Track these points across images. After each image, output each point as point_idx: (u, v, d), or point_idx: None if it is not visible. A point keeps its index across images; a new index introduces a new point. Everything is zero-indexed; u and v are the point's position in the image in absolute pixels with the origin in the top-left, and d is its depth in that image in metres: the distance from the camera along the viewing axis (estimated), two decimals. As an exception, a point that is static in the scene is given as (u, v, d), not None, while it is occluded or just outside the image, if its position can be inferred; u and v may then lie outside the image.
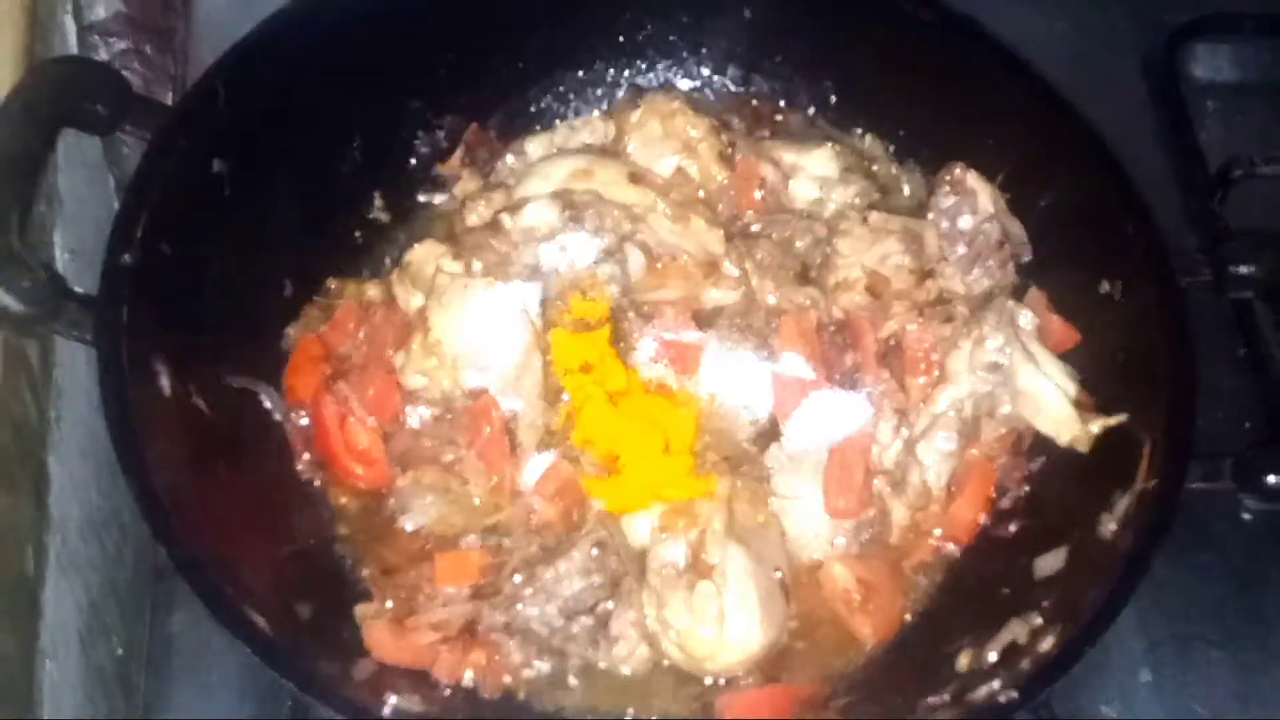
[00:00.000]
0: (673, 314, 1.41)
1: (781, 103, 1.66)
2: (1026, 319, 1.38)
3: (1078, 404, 1.32)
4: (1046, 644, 1.15)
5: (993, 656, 1.20)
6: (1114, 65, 1.79)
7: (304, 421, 1.39)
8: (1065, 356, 1.37)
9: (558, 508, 1.33)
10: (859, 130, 1.62)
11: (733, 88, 1.67)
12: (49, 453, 1.26)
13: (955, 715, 1.16)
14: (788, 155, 1.56)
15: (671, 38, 1.64)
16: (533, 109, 1.65)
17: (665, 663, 1.28)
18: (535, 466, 1.35)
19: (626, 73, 1.67)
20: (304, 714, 1.30)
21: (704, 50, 1.66)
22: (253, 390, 1.38)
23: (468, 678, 1.25)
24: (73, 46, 1.50)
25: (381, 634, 1.24)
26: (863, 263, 1.45)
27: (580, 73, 1.65)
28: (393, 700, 1.18)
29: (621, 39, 1.63)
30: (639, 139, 1.55)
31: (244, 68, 1.35)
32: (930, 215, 1.48)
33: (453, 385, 1.36)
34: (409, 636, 1.24)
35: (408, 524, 1.34)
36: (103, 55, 1.54)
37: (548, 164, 1.51)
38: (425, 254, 1.44)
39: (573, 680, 1.28)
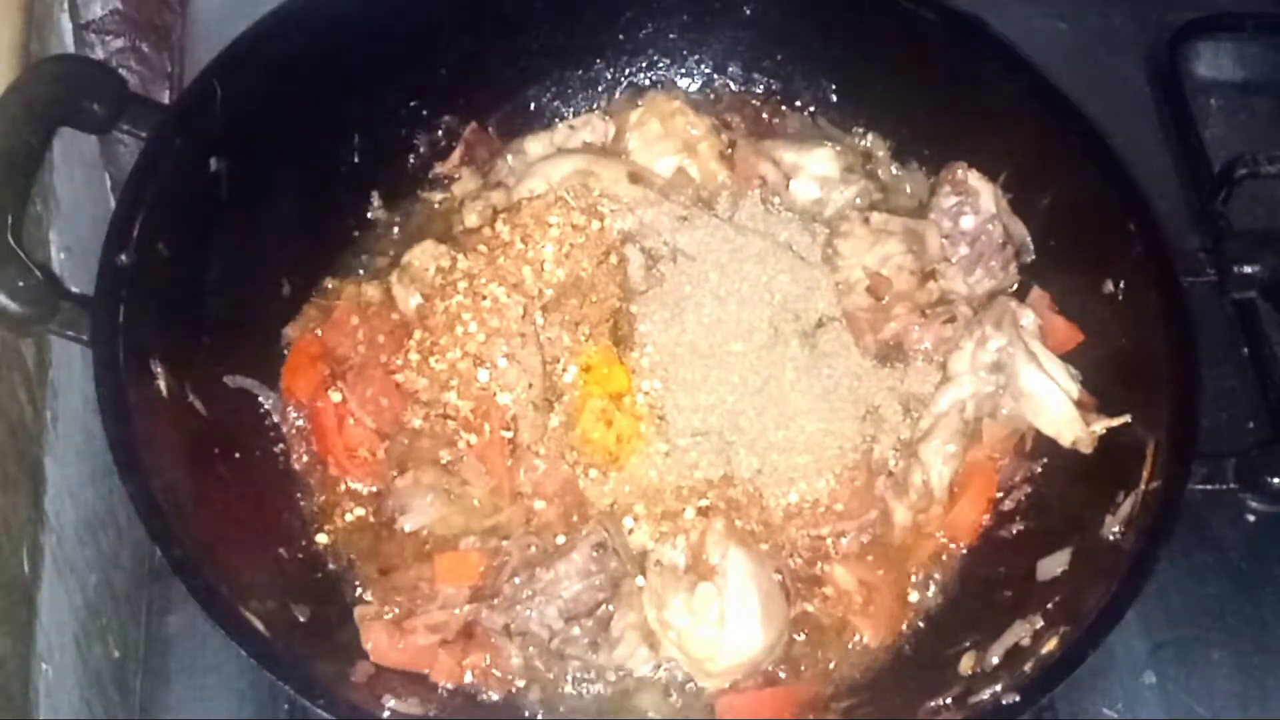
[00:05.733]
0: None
1: (781, 103, 1.65)
2: (1029, 319, 1.38)
3: (1080, 405, 1.32)
4: (1050, 646, 1.15)
5: (996, 659, 1.19)
6: (1116, 64, 1.79)
7: (302, 422, 1.39)
8: (1068, 357, 1.37)
9: (557, 509, 1.33)
10: (860, 130, 1.61)
11: (733, 87, 1.66)
12: (45, 453, 1.26)
13: (958, 718, 1.15)
14: (788, 155, 1.55)
15: (671, 36, 1.63)
16: (532, 108, 1.64)
17: (666, 664, 1.27)
18: (535, 467, 1.34)
19: (626, 72, 1.66)
20: (301, 716, 1.30)
21: (704, 49, 1.65)
22: (250, 391, 1.37)
23: (466, 680, 1.24)
24: (69, 45, 1.50)
25: (380, 636, 1.23)
26: (864, 263, 1.44)
27: (580, 72, 1.64)
28: (391, 703, 1.17)
29: (621, 38, 1.62)
30: (639, 139, 1.54)
31: (240, 66, 1.34)
32: (932, 215, 1.48)
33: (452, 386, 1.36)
34: (407, 638, 1.23)
35: (407, 524, 1.33)
36: (99, 54, 1.53)
37: (547, 164, 1.51)
38: (424, 254, 1.43)
39: (573, 682, 1.27)
